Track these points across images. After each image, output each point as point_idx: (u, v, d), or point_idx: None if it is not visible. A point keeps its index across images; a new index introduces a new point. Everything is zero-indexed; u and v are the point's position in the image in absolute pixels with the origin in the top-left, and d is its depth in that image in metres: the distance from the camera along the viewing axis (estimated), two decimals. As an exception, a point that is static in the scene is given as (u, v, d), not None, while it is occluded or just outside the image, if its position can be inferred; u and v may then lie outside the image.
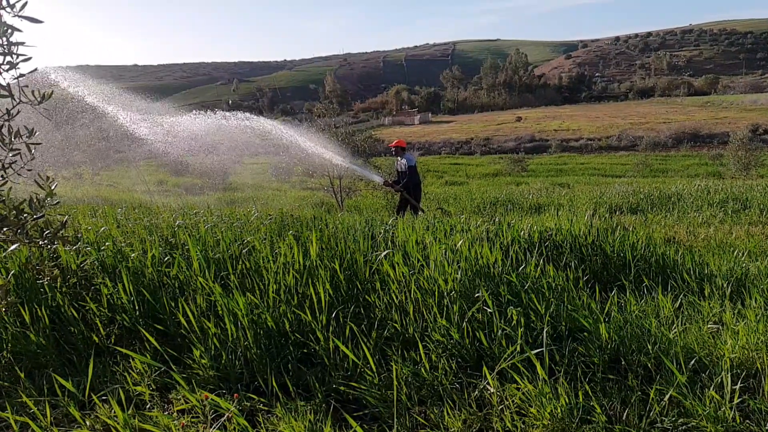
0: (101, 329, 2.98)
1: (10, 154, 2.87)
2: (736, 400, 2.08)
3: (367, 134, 20.76)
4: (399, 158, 9.58)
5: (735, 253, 4.72)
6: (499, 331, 2.61)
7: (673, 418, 2.09)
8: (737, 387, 2.11)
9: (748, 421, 2.07)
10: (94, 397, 2.27)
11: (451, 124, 79.41)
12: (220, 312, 2.83)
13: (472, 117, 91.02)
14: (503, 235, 4.18)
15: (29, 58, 2.76)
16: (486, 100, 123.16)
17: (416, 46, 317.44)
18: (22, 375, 2.59)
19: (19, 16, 2.63)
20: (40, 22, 2.65)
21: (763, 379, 2.25)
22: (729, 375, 2.13)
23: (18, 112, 2.82)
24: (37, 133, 2.93)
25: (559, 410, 2.10)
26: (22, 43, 2.73)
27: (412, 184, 9.36)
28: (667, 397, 2.14)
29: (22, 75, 2.77)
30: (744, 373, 2.29)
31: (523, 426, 2.14)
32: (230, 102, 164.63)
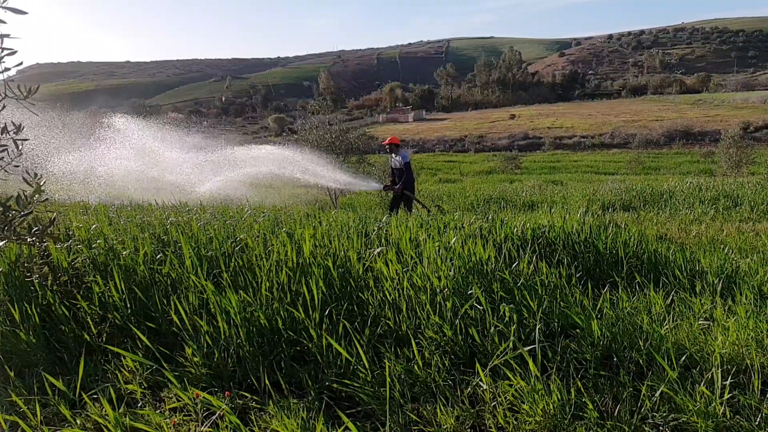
0: (92, 327, 2.96)
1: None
2: (726, 396, 2.09)
3: (361, 131, 20.78)
4: (393, 155, 9.58)
5: (726, 250, 4.75)
6: (492, 328, 2.61)
7: (664, 414, 2.11)
8: (727, 383, 2.12)
9: (738, 416, 2.08)
10: (84, 395, 2.25)
11: (445, 121, 79.42)
12: (213, 310, 2.81)
13: (466, 114, 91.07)
14: (496, 233, 4.18)
15: (15, 52, 2.72)
16: (480, 98, 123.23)
17: (410, 44, 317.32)
18: (12, 374, 2.56)
19: (3, 7, 2.57)
20: (24, 13, 2.60)
21: (753, 374, 2.26)
22: (719, 371, 2.15)
23: (3, 107, 2.78)
24: (24, 129, 2.89)
25: (551, 406, 2.11)
26: (7, 35, 2.68)
27: (409, 181, 9.38)
28: (659, 393, 2.15)
29: (7, 69, 2.73)
30: (734, 369, 2.31)
31: (515, 422, 2.15)
32: (223, 99, 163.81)
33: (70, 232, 3.97)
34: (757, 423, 2.03)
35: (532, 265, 3.42)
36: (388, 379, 2.20)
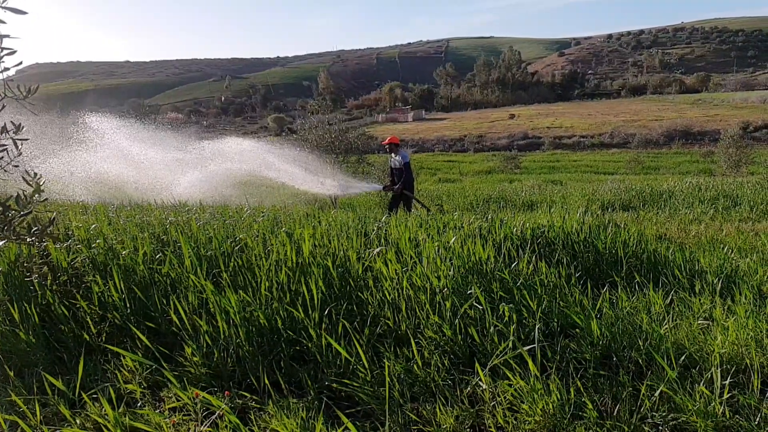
0: (92, 327, 2.96)
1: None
2: (725, 396, 2.10)
3: (361, 131, 20.80)
4: (393, 155, 9.58)
5: (725, 250, 4.75)
6: (492, 328, 2.61)
7: (664, 414, 2.11)
8: (727, 382, 2.12)
9: (737, 416, 2.09)
10: (84, 395, 2.25)
11: (444, 121, 79.38)
12: (212, 309, 2.81)
13: (466, 114, 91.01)
14: (496, 232, 4.18)
15: (14, 52, 2.71)
16: (479, 98, 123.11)
17: (410, 44, 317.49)
18: (12, 374, 2.56)
19: (3, 8, 2.57)
20: (24, 13, 2.60)
21: (752, 374, 2.27)
22: (719, 370, 2.15)
23: (3, 107, 2.78)
24: (24, 129, 2.89)
25: (550, 406, 2.11)
26: (7, 36, 2.68)
27: (408, 181, 9.37)
28: (658, 392, 2.16)
29: (6, 69, 2.73)
30: (734, 369, 2.31)
31: (515, 422, 2.15)
32: (223, 99, 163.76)
33: (70, 232, 3.97)
34: (756, 422, 2.03)
35: (531, 265, 3.43)
36: (387, 379, 2.20)
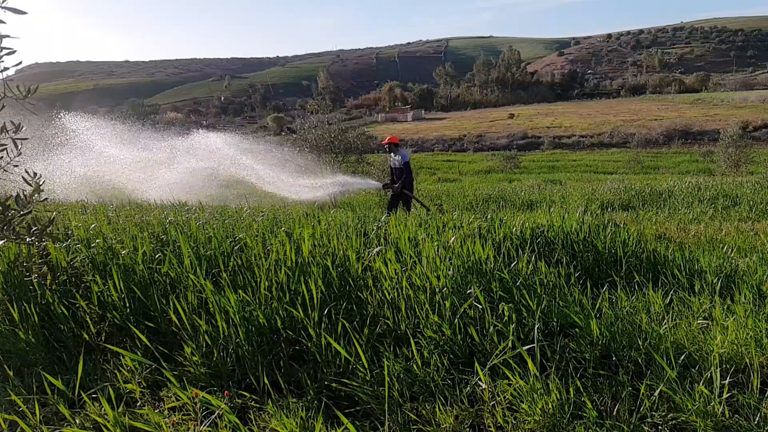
0: (91, 327, 2.96)
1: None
2: (725, 395, 2.10)
3: (360, 131, 20.80)
4: (393, 155, 9.57)
5: (725, 249, 4.75)
6: (491, 328, 2.62)
7: (663, 413, 2.11)
8: (726, 382, 2.13)
9: (737, 415, 2.09)
10: (83, 395, 2.25)
11: (443, 121, 79.35)
12: (212, 309, 2.81)
13: (465, 114, 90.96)
14: (495, 232, 4.18)
15: (14, 51, 2.71)
16: (479, 97, 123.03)
17: (409, 43, 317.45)
18: (11, 373, 2.56)
19: (3, 8, 2.57)
20: (24, 13, 2.60)
21: (751, 374, 2.27)
22: (718, 370, 2.15)
23: (3, 106, 2.78)
24: (24, 128, 2.89)
25: (550, 406, 2.11)
26: (7, 36, 2.68)
27: (408, 180, 9.37)
28: (657, 392, 2.16)
29: (6, 69, 2.73)
30: (733, 368, 2.31)
31: (514, 422, 2.15)
32: (222, 98, 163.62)
33: (69, 232, 3.96)
34: (756, 422, 2.03)
35: (531, 265, 3.42)
36: (387, 379, 2.20)
